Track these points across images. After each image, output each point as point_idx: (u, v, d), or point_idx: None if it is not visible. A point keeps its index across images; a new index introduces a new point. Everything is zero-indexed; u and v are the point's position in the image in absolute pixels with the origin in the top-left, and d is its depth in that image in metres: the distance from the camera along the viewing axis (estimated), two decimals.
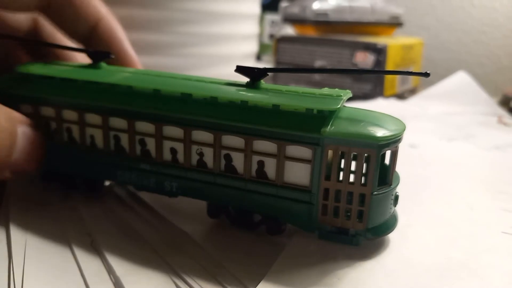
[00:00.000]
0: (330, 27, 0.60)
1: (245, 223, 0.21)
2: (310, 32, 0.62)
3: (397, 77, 0.56)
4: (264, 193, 0.20)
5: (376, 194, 0.19)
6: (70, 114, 0.23)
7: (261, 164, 0.20)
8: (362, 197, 0.19)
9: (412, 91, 0.62)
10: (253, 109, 0.19)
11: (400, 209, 0.22)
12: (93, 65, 0.24)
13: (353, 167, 0.19)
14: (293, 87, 0.20)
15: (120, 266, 0.18)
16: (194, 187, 0.21)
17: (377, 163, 0.18)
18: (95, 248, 0.20)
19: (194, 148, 0.21)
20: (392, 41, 0.55)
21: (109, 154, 0.23)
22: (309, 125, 0.18)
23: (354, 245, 0.20)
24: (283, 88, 0.20)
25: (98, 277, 0.18)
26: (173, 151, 0.21)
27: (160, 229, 0.22)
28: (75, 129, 0.23)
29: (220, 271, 0.19)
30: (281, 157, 0.19)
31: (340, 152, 0.18)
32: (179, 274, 0.18)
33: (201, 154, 0.21)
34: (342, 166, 0.19)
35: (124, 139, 0.22)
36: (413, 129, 0.38)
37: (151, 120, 0.21)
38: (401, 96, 0.58)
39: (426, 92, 0.57)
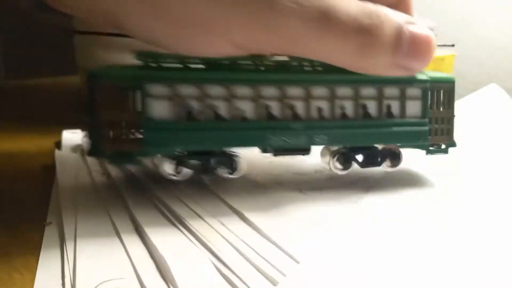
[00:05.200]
0: None
1: (372, 162, 0.29)
2: None
3: None
4: (393, 127, 0.27)
5: (455, 116, 0.29)
6: (217, 90, 0.24)
7: (389, 106, 0.27)
8: (449, 119, 0.29)
9: None
10: None
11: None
12: None
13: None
14: None
15: (163, 249, 0.20)
16: (339, 136, 0.27)
17: (454, 94, 0.29)
18: (139, 234, 0.22)
19: (338, 104, 0.26)
20: None
21: (261, 122, 0.25)
22: (418, 75, 0.28)
23: (446, 154, 0.29)
24: None
25: (143, 259, 0.20)
26: (319, 109, 0.26)
27: (200, 213, 0.23)
28: (222, 105, 0.25)
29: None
30: (403, 97, 0.27)
31: (435, 90, 0.28)
32: (217, 255, 0.20)
33: (342, 108, 0.26)
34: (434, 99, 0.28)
35: (276, 106, 0.25)
36: None
37: (301, 85, 0.26)
38: None
39: (456, 103, 0.57)
